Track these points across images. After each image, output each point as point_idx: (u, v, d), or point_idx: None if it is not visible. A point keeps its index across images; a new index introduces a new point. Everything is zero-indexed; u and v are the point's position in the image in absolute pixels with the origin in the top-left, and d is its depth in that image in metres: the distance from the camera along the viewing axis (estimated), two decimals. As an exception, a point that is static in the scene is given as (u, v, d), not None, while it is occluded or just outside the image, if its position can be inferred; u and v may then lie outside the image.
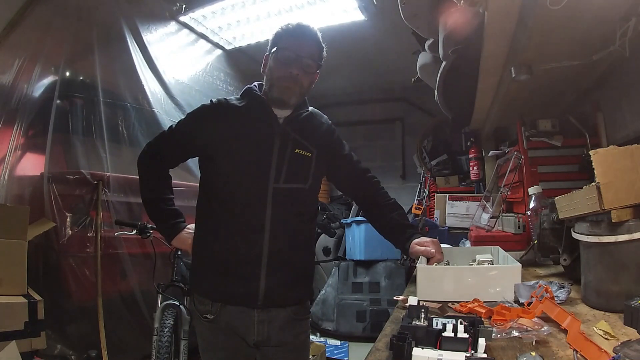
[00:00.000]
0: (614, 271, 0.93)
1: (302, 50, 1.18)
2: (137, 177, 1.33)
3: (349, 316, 2.96)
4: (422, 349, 0.69)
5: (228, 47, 3.34)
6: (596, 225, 0.96)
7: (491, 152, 2.80)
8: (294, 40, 1.19)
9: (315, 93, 1.31)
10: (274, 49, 1.19)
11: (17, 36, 2.22)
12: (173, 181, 1.36)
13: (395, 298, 1.18)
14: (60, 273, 2.13)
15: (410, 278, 2.07)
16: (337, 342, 2.90)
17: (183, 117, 1.33)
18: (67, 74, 2.34)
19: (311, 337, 2.54)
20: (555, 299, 0.99)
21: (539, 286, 1.00)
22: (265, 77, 1.25)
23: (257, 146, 1.19)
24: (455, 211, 3.01)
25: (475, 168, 3.12)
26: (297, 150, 1.21)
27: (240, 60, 3.49)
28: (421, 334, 0.74)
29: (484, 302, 1.03)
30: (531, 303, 0.95)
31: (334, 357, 2.85)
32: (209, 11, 2.83)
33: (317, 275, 3.20)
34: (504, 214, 2.12)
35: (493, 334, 0.79)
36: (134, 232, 2.01)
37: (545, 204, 1.44)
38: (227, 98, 1.27)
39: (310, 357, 2.08)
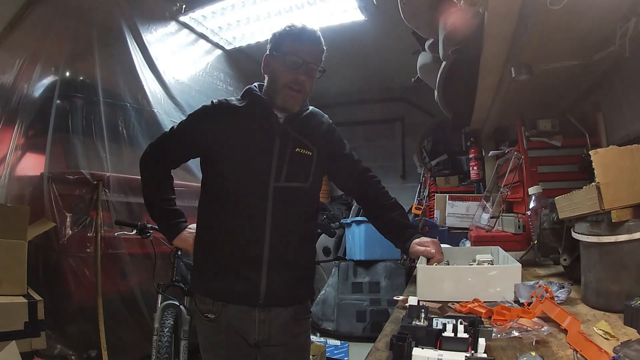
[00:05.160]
0: (614, 271, 0.93)
1: (308, 55, 1.18)
2: (137, 177, 1.34)
3: (349, 316, 2.96)
4: (422, 349, 0.69)
5: (228, 47, 3.34)
6: (596, 225, 0.96)
7: (491, 152, 2.79)
8: (300, 45, 1.18)
9: (315, 93, 1.31)
10: (279, 53, 1.19)
11: (17, 36, 2.22)
12: (174, 181, 1.36)
13: (395, 298, 1.19)
14: (60, 273, 2.12)
15: (410, 278, 2.07)
16: (337, 342, 2.90)
17: (183, 117, 1.34)
18: (67, 74, 2.33)
19: (311, 337, 2.53)
20: (555, 299, 0.99)
21: (539, 286, 1.00)
22: (267, 78, 1.25)
23: (258, 145, 1.19)
24: (455, 211, 3.00)
25: (475, 168, 3.12)
26: (297, 149, 1.22)
27: (240, 60, 3.49)
28: (421, 334, 0.74)
29: (484, 302, 1.03)
30: (531, 303, 0.95)
31: (334, 357, 2.85)
32: (209, 11, 2.83)
33: (317, 275, 3.19)
34: (504, 214, 2.12)
35: (493, 334, 0.79)
36: (134, 232, 2.01)
37: (545, 204, 1.44)
38: (228, 99, 1.28)
39: (311, 357, 2.08)
